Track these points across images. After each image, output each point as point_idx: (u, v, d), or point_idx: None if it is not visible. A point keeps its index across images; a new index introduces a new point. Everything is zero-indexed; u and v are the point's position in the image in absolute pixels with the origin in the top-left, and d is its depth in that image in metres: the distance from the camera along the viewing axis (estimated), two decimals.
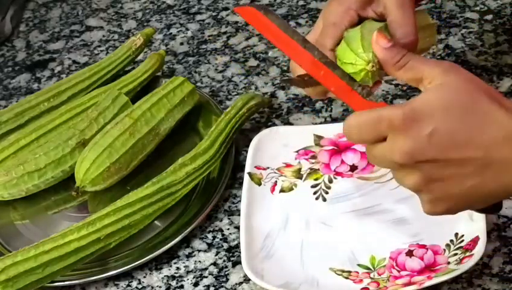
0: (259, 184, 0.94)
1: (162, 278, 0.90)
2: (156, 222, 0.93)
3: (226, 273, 0.89)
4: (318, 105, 1.05)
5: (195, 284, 0.89)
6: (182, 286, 0.89)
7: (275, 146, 0.97)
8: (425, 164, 0.66)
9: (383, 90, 1.05)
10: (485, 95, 0.67)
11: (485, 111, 0.66)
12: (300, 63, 0.77)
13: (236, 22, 1.23)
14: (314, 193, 0.94)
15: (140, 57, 1.15)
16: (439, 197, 0.68)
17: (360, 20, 0.81)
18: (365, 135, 0.69)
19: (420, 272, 0.83)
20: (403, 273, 0.83)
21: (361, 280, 0.84)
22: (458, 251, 0.83)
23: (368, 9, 0.81)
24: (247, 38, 1.19)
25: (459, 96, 0.67)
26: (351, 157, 0.96)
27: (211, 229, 0.94)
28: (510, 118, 0.66)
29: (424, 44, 0.84)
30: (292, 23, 1.20)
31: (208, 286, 0.88)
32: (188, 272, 0.90)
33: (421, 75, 0.69)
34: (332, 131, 0.98)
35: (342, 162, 0.96)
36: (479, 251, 0.81)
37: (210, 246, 0.92)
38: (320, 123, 1.03)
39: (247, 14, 0.79)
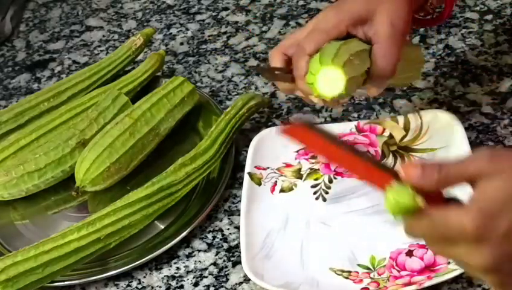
0: (259, 184, 0.94)
1: (162, 278, 0.90)
2: (156, 222, 0.93)
3: (226, 273, 0.89)
4: (318, 105, 1.05)
5: (195, 284, 0.89)
6: (182, 286, 0.89)
7: (275, 146, 0.97)
8: (506, 262, 0.63)
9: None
10: None
11: None
12: (356, 173, 0.70)
13: (236, 22, 1.23)
14: (314, 193, 0.94)
15: (140, 57, 1.15)
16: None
17: (348, 37, 0.81)
18: (433, 241, 0.65)
19: (420, 272, 0.83)
20: (403, 273, 0.83)
21: (361, 280, 0.84)
22: None
23: (359, 28, 0.82)
24: (247, 38, 1.19)
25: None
26: None
27: (211, 229, 0.94)
28: None
29: (406, 79, 0.83)
30: (292, 23, 1.20)
31: (208, 286, 0.88)
32: (188, 272, 0.90)
33: (468, 174, 0.64)
34: (332, 131, 0.98)
35: None
36: None
37: (210, 246, 0.92)
38: (320, 123, 1.03)
39: (294, 132, 0.73)
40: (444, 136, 0.94)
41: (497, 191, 0.62)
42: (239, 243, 0.89)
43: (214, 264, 0.90)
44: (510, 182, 0.62)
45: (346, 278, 0.84)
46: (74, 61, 1.22)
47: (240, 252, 0.87)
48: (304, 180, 0.95)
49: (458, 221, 0.62)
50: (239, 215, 0.91)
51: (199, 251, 0.92)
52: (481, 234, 0.61)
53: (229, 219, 0.95)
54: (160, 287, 0.89)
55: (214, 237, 0.93)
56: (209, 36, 1.21)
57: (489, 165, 0.63)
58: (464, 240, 0.62)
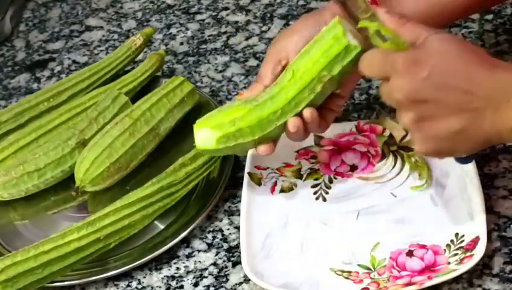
0: (259, 184, 0.94)
1: (162, 278, 0.90)
2: (156, 222, 0.93)
3: (226, 273, 0.89)
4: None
5: (195, 285, 0.88)
6: (182, 286, 0.89)
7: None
8: (418, 103, 0.74)
9: None
10: (475, 55, 0.74)
11: (476, 61, 0.74)
12: None
13: (236, 22, 1.23)
14: (314, 193, 0.93)
15: (140, 57, 1.15)
16: (428, 136, 0.75)
17: None
18: (374, 70, 0.78)
19: (420, 272, 0.83)
20: (403, 273, 0.83)
21: (361, 280, 0.84)
22: (458, 251, 0.83)
23: None
24: (247, 38, 1.19)
25: (454, 48, 0.74)
26: (351, 158, 0.96)
27: (211, 229, 0.94)
28: (494, 67, 0.74)
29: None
30: (292, 22, 1.20)
31: (208, 286, 0.88)
32: (188, 272, 0.90)
33: (420, 33, 0.76)
34: (332, 131, 0.98)
35: (342, 162, 0.96)
36: (479, 251, 0.81)
37: (210, 246, 0.92)
38: None
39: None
40: None
41: (435, 48, 0.74)
42: (239, 243, 0.89)
43: (214, 264, 0.90)
44: (446, 46, 0.74)
45: (346, 278, 0.84)
46: (74, 61, 1.22)
47: (240, 252, 0.87)
48: (304, 180, 0.95)
49: (394, 55, 0.75)
50: (239, 215, 0.91)
51: (199, 251, 0.92)
52: (406, 70, 0.74)
53: (229, 219, 0.94)
54: (160, 287, 0.89)
55: (214, 237, 0.93)
56: (209, 36, 1.21)
57: (437, 35, 0.75)
58: (394, 71, 0.74)
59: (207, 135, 0.87)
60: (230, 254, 0.91)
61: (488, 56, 0.75)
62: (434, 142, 0.75)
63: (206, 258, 0.91)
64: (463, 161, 0.81)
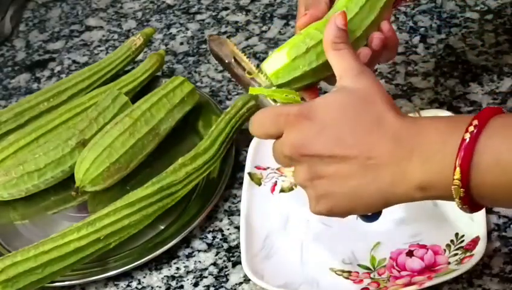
0: (259, 184, 0.94)
1: (162, 278, 0.90)
2: (156, 222, 0.93)
3: (226, 273, 0.89)
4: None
5: (195, 285, 0.88)
6: (181, 286, 0.89)
7: None
8: (311, 158, 0.69)
9: None
10: (382, 100, 0.69)
11: (378, 115, 0.69)
12: None
13: (236, 22, 1.23)
14: None
15: (140, 57, 1.15)
16: (322, 194, 0.70)
17: None
18: (268, 128, 0.73)
19: (420, 272, 0.83)
20: (403, 273, 0.83)
21: (361, 280, 0.84)
22: (458, 251, 0.83)
23: None
24: (247, 38, 1.19)
25: (356, 101, 0.69)
26: None
27: (211, 229, 0.94)
28: (398, 120, 0.68)
29: None
30: (292, 23, 1.20)
31: (208, 286, 0.88)
32: (188, 272, 0.90)
33: (342, 67, 0.72)
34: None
35: None
36: (479, 251, 0.81)
37: (210, 246, 0.92)
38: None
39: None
40: None
41: (333, 101, 0.70)
42: (239, 243, 0.89)
43: (214, 264, 0.90)
44: (347, 99, 0.69)
45: (347, 278, 0.84)
46: (74, 61, 1.22)
47: (240, 252, 0.87)
48: None
49: (288, 108, 0.72)
50: (239, 215, 0.91)
51: (199, 251, 0.92)
52: (299, 122, 0.69)
53: (229, 219, 0.94)
54: (160, 287, 0.89)
55: (214, 237, 0.93)
56: (209, 36, 1.21)
57: (350, 78, 0.71)
58: (287, 125, 0.70)
59: (276, 57, 0.78)
60: (230, 254, 0.91)
61: (394, 108, 0.69)
62: (329, 200, 0.70)
63: (206, 258, 0.91)
64: (367, 219, 0.76)
